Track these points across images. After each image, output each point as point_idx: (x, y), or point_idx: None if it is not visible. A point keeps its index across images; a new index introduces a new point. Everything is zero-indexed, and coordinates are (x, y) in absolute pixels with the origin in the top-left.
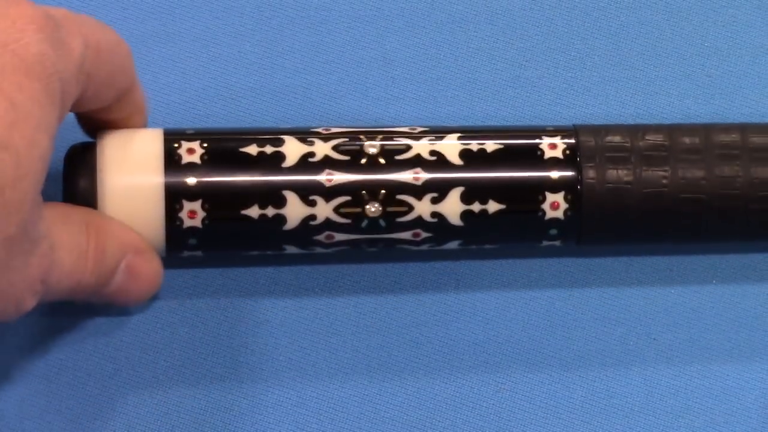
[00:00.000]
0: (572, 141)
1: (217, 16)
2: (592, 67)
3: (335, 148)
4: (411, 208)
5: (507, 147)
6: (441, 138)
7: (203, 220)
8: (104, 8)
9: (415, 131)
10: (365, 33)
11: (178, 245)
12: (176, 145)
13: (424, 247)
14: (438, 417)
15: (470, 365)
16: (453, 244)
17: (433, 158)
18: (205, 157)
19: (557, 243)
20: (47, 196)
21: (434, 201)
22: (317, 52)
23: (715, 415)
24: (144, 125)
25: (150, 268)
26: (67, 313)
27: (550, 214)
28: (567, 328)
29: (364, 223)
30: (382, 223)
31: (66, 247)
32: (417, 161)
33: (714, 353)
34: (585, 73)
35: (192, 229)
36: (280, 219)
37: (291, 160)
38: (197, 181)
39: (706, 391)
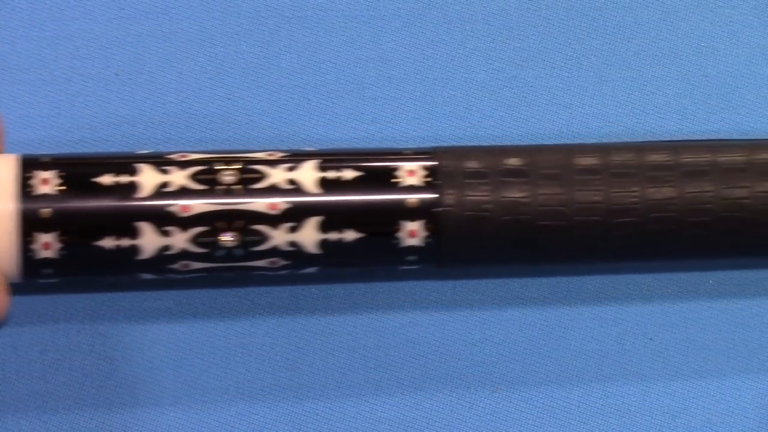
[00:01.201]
0: (432, 165)
1: (214, 16)
2: (589, 67)
3: (192, 176)
4: (268, 237)
5: (365, 174)
6: (298, 166)
7: (59, 251)
8: (101, 8)
9: (273, 158)
10: (362, 33)
11: (34, 274)
12: (30, 174)
13: (283, 272)
14: None
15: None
16: (311, 270)
17: (291, 187)
18: (61, 187)
19: (417, 268)
20: None
21: (291, 230)
22: (314, 52)
23: (711, 415)
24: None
25: None
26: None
27: (409, 241)
28: (564, 328)
29: (221, 253)
30: (238, 252)
31: None
32: (274, 190)
33: (711, 353)
34: (582, 73)
35: (47, 259)
36: (135, 249)
37: (146, 190)
38: (51, 211)
39: (702, 391)
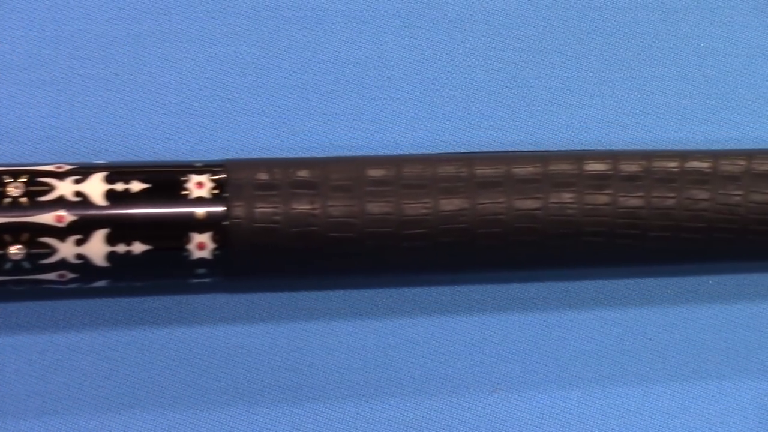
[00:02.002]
0: (221, 177)
1: (214, 16)
2: (588, 67)
3: None
4: (55, 250)
5: (153, 186)
6: (86, 178)
7: None
8: (100, 8)
9: (61, 170)
10: (361, 33)
11: None
12: None
13: (72, 286)
14: None
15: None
16: (102, 284)
17: (78, 199)
18: None
19: (209, 281)
20: None
21: (78, 243)
22: (313, 52)
23: (711, 415)
24: None
25: None
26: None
27: (198, 253)
28: (563, 328)
29: (8, 265)
30: (26, 265)
31: None
32: (61, 202)
33: (710, 354)
34: (582, 73)
35: None
36: None
37: None
38: None
39: (702, 391)
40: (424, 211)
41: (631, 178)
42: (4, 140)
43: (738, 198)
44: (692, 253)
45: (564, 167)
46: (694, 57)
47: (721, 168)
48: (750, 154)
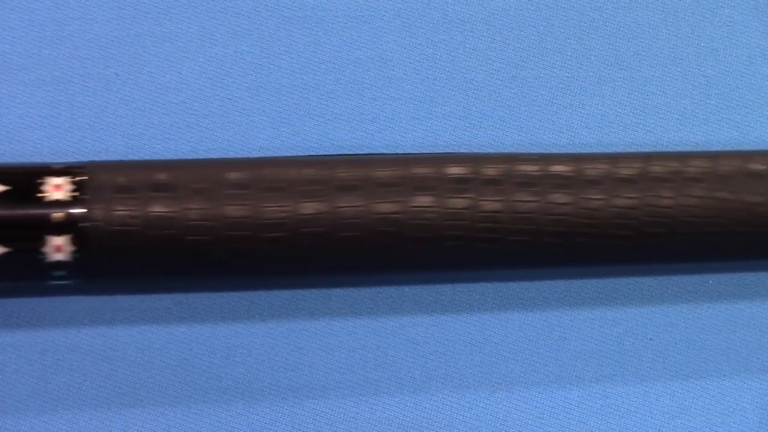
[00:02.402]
0: (80, 179)
1: (214, 16)
2: (589, 66)
3: None
4: None
5: (11, 188)
6: None
7: None
8: (100, 8)
9: None
10: (362, 33)
11: None
12: None
13: None
14: None
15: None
16: None
17: None
18: None
19: (68, 283)
20: None
21: None
22: (314, 52)
23: (711, 415)
24: None
25: None
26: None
27: (55, 256)
28: (563, 327)
29: None
30: None
31: None
32: None
33: (710, 353)
34: (581, 73)
35: None
36: None
37: None
38: None
39: (702, 391)
40: (283, 214)
41: (492, 181)
42: (4, 140)
43: (599, 202)
44: (552, 257)
45: (424, 171)
46: (694, 57)
47: (583, 172)
48: (613, 158)
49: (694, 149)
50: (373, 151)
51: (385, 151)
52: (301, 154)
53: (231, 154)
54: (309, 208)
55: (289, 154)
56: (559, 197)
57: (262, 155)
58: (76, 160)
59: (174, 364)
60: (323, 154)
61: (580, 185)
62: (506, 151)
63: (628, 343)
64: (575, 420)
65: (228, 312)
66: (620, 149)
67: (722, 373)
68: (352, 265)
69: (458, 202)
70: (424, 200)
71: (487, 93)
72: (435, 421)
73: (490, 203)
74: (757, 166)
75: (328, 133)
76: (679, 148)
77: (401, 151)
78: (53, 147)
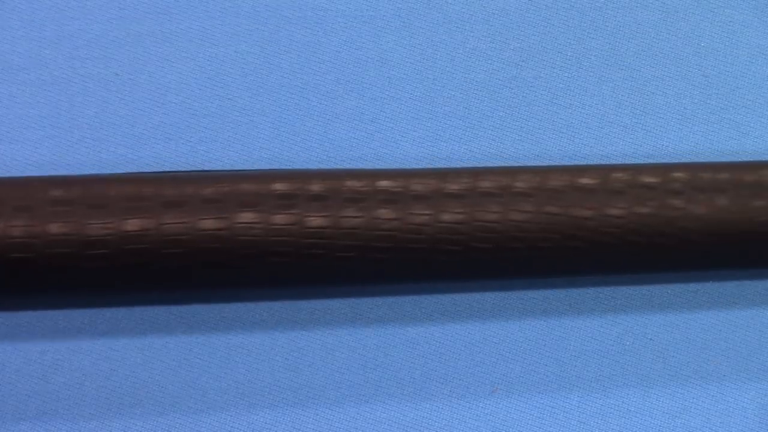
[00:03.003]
0: None
1: (214, 16)
2: (589, 67)
3: None
4: None
5: None
6: None
7: None
8: (101, 8)
9: None
10: (362, 33)
11: None
12: None
13: None
14: None
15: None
16: None
17: None
18: None
19: None
20: None
21: None
22: (313, 52)
23: (711, 415)
24: None
25: None
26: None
27: None
28: (563, 328)
29: None
30: None
31: None
32: None
33: (710, 354)
34: (581, 73)
35: None
36: None
37: None
38: None
39: (702, 391)
40: (106, 231)
41: (318, 197)
42: (4, 140)
43: (426, 218)
44: (379, 272)
45: (250, 187)
46: (694, 57)
47: (410, 188)
48: (441, 174)
49: (694, 149)
50: (373, 151)
51: (385, 151)
52: (300, 154)
53: (231, 154)
54: (133, 225)
55: (288, 155)
56: (386, 213)
57: (262, 155)
58: (76, 161)
59: (174, 364)
60: (149, 171)
61: (406, 201)
62: (506, 151)
63: (628, 343)
64: (575, 420)
65: (228, 313)
66: (620, 149)
67: (722, 374)
68: (178, 281)
69: (284, 218)
70: (248, 216)
71: (487, 93)
72: (434, 422)
73: (316, 219)
74: (586, 181)
75: (328, 133)
76: (679, 148)
77: (401, 151)
78: (53, 147)
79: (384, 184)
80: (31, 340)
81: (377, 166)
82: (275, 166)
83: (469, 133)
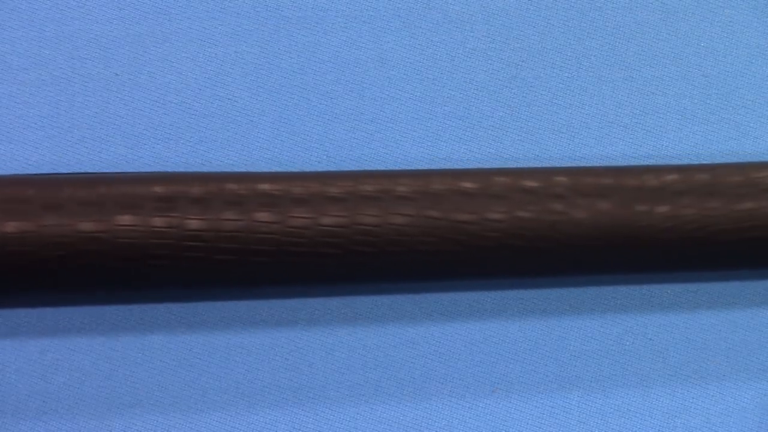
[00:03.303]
0: None
1: (214, 16)
2: (589, 67)
3: None
4: None
5: None
6: None
7: None
8: (100, 8)
9: None
10: (362, 33)
11: None
12: None
13: None
14: None
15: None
16: None
17: None
18: None
19: None
20: None
21: None
22: (313, 52)
23: (711, 415)
24: None
25: None
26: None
27: None
28: (563, 328)
29: None
30: None
31: None
32: None
33: (710, 354)
34: (581, 73)
35: None
36: None
37: None
38: None
39: (702, 391)
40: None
41: (198, 200)
42: (4, 140)
43: (306, 221)
44: (260, 276)
45: (128, 189)
46: (694, 57)
47: (290, 191)
48: (322, 177)
49: (694, 149)
50: (373, 151)
51: (385, 151)
52: (300, 154)
53: (231, 154)
54: (12, 227)
55: (288, 155)
56: (266, 216)
57: (262, 155)
58: (76, 160)
59: (174, 364)
60: (26, 173)
61: (286, 204)
62: (506, 151)
63: (628, 343)
64: (575, 420)
65: (228, 312)
66: (620, 149)
67: (722, 374)
68: (58, 284)
69: (163, 221)
70: (126, 219)
71: (487, 93)
72: (434, 422)
73: (195, 222)
74: (467, 185)
75: (328, 133)
76: (679, 148)
77: (401, 152)
78: (53, 147)
79: (264, 187)
80: (31, 339)
81: (377, 167)
82: (275, 166)
83: (469, 133)
